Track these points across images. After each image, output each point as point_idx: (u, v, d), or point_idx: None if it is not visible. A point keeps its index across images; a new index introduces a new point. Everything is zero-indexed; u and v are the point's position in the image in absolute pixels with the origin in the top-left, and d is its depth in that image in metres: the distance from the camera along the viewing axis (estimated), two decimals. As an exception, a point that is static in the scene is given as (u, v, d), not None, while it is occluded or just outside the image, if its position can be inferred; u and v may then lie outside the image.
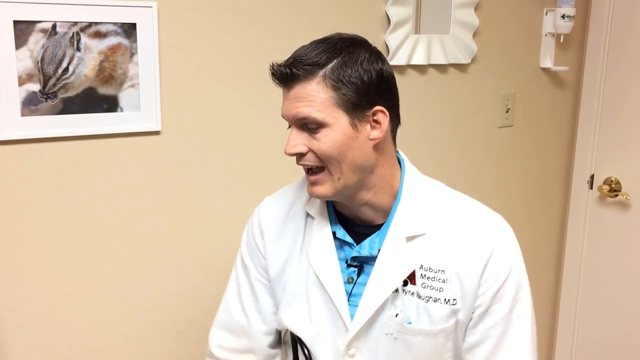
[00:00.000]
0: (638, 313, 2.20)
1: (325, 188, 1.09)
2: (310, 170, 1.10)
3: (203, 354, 1.34)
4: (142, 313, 1.58)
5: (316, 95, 1.04)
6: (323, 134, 1.06)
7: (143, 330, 1.59)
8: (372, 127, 1.08)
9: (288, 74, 1.06)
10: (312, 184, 1.10)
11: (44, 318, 1.47)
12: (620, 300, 2.24)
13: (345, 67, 1.05)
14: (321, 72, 1.05)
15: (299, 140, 1.07)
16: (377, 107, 1.08)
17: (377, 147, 1.10)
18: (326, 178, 1.09)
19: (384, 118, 1.09)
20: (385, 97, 1.09)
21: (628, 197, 2.17)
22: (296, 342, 1.21)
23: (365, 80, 1.06)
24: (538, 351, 1.16)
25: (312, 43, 1.09)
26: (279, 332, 1.29)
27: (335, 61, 1.05)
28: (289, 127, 1.11)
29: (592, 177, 2.28)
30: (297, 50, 1.09)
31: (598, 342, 2.32)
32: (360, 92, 1.06)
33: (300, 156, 1.09)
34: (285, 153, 1.09)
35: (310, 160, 1.08)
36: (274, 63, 1.08)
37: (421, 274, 1.11)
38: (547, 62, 2.18)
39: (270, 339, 1.27)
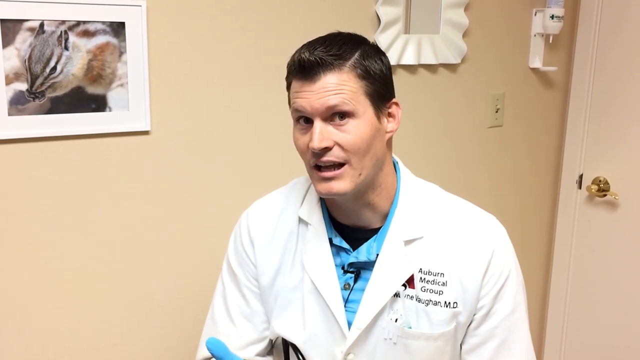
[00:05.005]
0: (627, 312, 2.21)
1: (346, 184, 1.03)
2: (325, 167, 1.04)
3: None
4: (133, 313, 1.57)
5: (347, 85, 1.02)
6: (353, 126, 1.02)
7: (140, 330, 1.58)
8: (388, 120, 1.09)
9: (320, 63, 1.01)
10: (329, 179, 1.03)
11: (35, 318, 1.46)
12: (609, 299, 2.25)
13: (369, 58, 1.05)
14: (349, 62, 1.03)
15: (326, 134, 1.02)
16: (394, 100, 1.09)
17: (388, 142, 1.10)
18: (347, 173, 1.03)
19: (397, 110, 1.10)
20: (394, 91, 1.11)
21: (616, 197, 2.19)
22: (287, 347, 1.19)
23: (384, 71, 1.07)
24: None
25: (321, 38, 1.06)
26: (269, 341, 1.23)
27: (358, 52, 1.04)
28: (301, 121, 1.05)
29: (581, 176, 2.29)
30: (310, 45, 1.04)
31: (587, 341, 2.33)
32: (384, 82, 1.06)
33: (325, 151, 1.02)
34: (313, 148, 1.01)
35: (335, 155, 1.02)
36: (299, 53, 1.03)
37: (420, 278, 1.10)
38: (536, 63, 2.19)
39: (258, 347, 1.21)
